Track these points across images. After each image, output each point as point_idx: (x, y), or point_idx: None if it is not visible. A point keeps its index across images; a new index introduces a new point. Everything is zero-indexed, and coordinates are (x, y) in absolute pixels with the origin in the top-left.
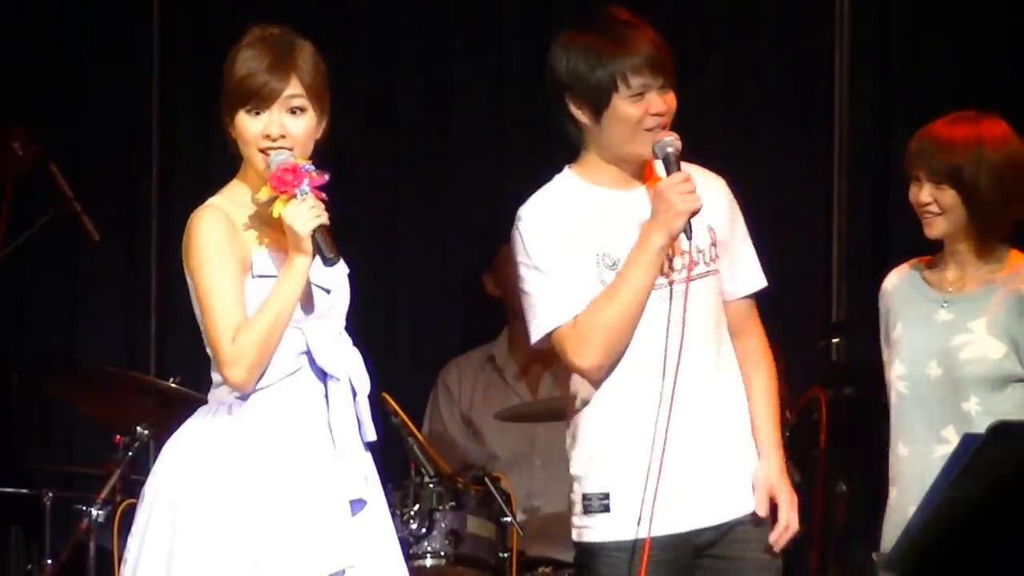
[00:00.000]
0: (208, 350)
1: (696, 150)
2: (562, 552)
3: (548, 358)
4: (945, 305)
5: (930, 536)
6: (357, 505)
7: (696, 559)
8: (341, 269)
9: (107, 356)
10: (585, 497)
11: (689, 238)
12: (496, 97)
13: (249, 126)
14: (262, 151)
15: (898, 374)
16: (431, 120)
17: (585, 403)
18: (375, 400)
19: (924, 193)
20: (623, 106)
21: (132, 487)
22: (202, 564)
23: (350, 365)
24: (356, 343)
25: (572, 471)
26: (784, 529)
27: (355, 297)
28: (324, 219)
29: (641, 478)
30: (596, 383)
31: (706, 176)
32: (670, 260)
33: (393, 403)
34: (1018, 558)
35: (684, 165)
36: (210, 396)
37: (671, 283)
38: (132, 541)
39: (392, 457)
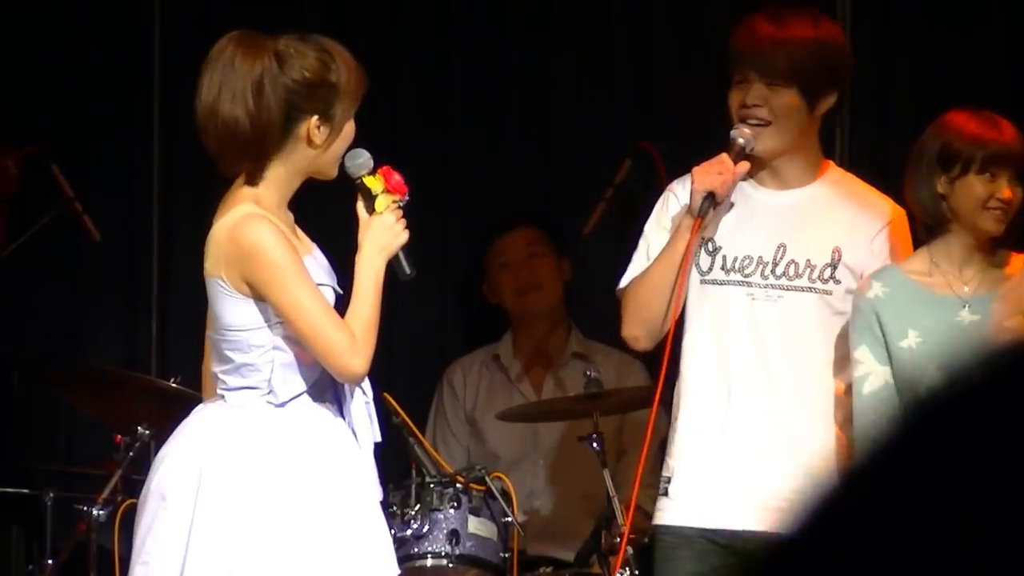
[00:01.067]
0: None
1: (693, 147)
2: (563, 552)
3: (551, 359)
4: (968, 306)
5: None
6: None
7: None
8: (332, 273)
9: (108, 356)
10: (660, 479)
11: (701, 215)
12: (498, 96)
13: (352, 128)
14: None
15: (927, 384)
16: (431, 118)
17: (676, 388)
18: (377, 401)
19: (1006, 188)
20: (729, 95)
21: (133, 487)
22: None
23: None
24: None
25: None
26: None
27: None
28: (408, 236)
29: (701, 469)
30: (642, 351)
31: (871, 200)
32: (764, 264)
33: (394, 403)
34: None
35: (862, 187)
36: (231, 399)
37: (751, 285)
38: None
39: (393, 457)
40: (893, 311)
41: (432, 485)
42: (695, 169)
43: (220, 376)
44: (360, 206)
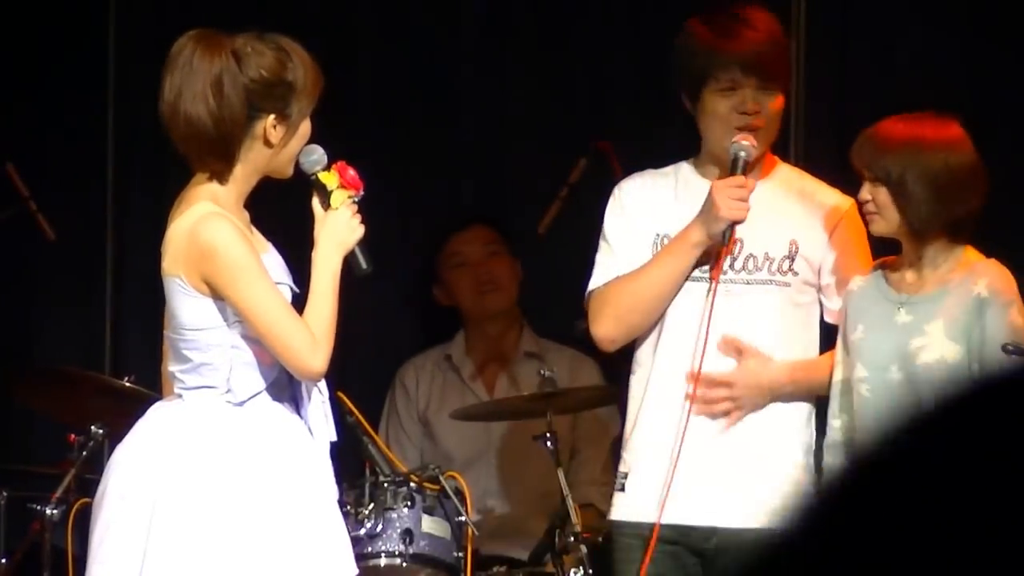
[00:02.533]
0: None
1: (649, 144)
2: (517, 551)
3: (504, 358)
4: (903, 307)
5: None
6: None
7: (698, 559)
8: (288, 271)
9: (62, 355)
10: (616, 475)
11: (724, 243)
12: (453, 95)
13: (308, 127)
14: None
15: (859, 377)
16: (386, 117)
17: (628, 384)
18: (331, 400)
19: (863, 191)
20: (712, 99)
21: (87, 486)
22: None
23: None
24: None
25: None
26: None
27: None
28: (363, 231)
29: (659, 464)
30: (609, 352)
31: (821, 193)
32: (720, 258)
33: (348, 402)
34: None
35: (812, 181)
36: (188, 398)
37: (713, 280)
38: (115, 540)
39: (347, 456)
40: (857, 303)
41: (386, 484)
42: (717, 196)
43: (178, 375)
44: (315, 202)
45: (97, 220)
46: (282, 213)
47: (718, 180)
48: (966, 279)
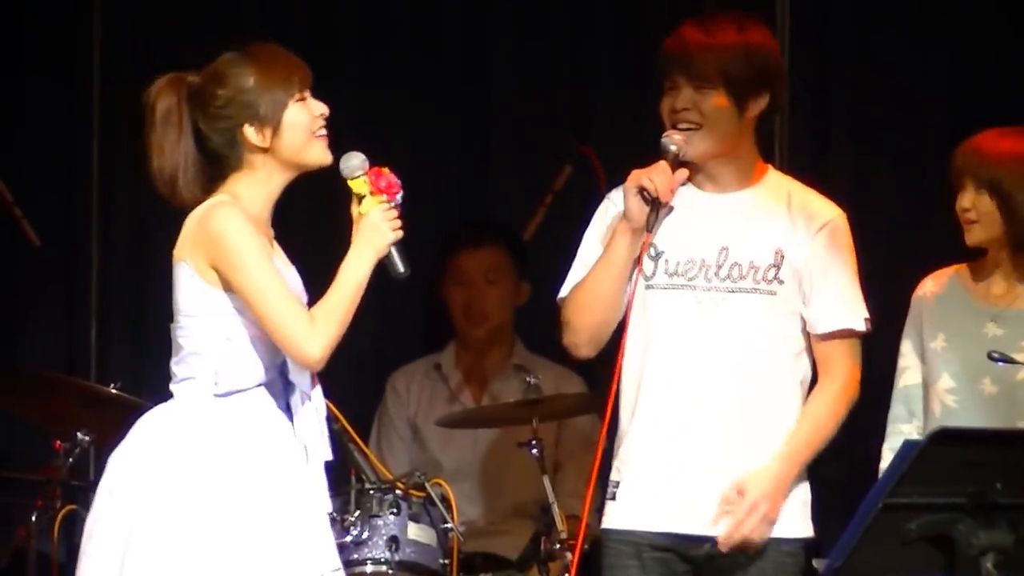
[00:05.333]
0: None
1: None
2: (505, 549)
3: (493, 371)
4: (995, 320)
5: (871, 542)
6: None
7: (690, 566)
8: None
9: (47, 361)
10: (608, 483)
11: (648, 230)
12: (439, 101)
13: (302, 113)
14: (315, 135)
15: (947, 388)
16: (371, 124)
17: (618, 394)
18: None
19: (965, 199)
20: (662, 100)
21: (72, 493)
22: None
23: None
24: None
25: None
26: (734, 528)
27: None
28: (401, 234)
29: (650, 473)
30: (585, 361)
31: (810, 202)
32: (643, 248)
33: (335, 410)
34: (955, 561)
35: (802, 189)
36: (176, 393)
37: (696, 289)
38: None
39: (333, 464)
40: (934, 310)
41: (372, 491)
42: (630, 174)
43: (172, 369)
44: (354, 207)
45: (82, 226)
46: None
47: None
48: None
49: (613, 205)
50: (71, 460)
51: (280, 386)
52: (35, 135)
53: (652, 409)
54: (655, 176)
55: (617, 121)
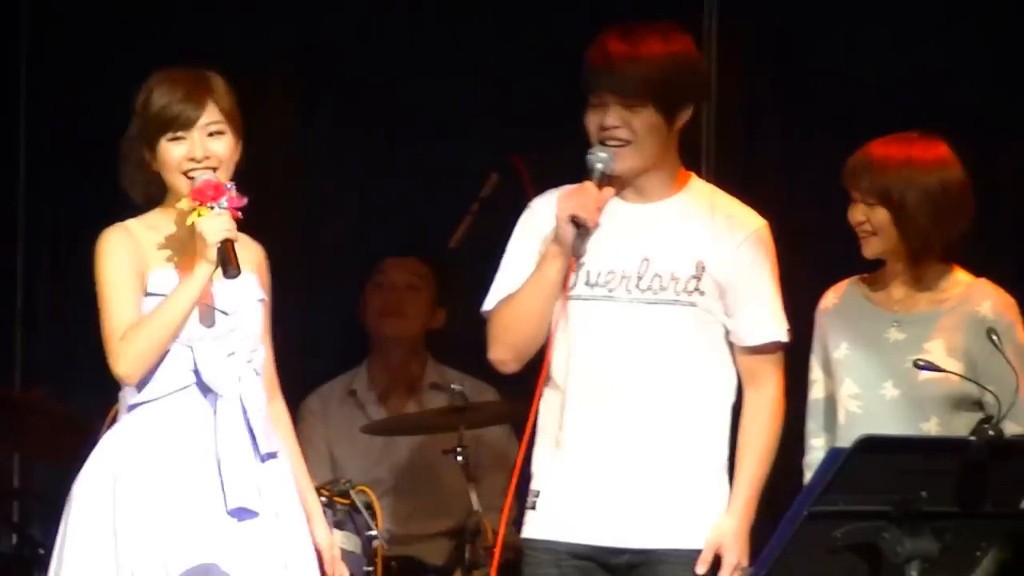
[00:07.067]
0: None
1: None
2: (429, 556)
3: (409, 388)
4: (896, 324)
5: (796, 551)
6: (245, 514)
7: (610, 575)
8: (251, 294)
9: None
10: (529, 492)
11: (576, 255)
12: (367, 111)
13: (172, 152)
14: (186, 175)
15: (850, 393)
16: (297, 136)
17: (540, 404)
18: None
19: (858, 212)
20: (587, 116)
21: None
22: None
23: (243, 385)
24: None
25: None
26: None
27: None
28: (234, 235)
29: (570, 483)
30: (510, 374)
31: (734, 212)
32: (569, 270)
33: None
34: (881, 570)
35: (725, 199)
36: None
37: (616, 300)
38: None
39: None
40: (836, 321)
41: None
42: (559, 197)
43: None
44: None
45: (7, 232)
46: None
47: (571, 189)
48: (965, 299)
49: (534, 215)
50: None
51: (203, 390)
52: None
53: (574, 418)
54: (588, 204)
55: (546, 128)
